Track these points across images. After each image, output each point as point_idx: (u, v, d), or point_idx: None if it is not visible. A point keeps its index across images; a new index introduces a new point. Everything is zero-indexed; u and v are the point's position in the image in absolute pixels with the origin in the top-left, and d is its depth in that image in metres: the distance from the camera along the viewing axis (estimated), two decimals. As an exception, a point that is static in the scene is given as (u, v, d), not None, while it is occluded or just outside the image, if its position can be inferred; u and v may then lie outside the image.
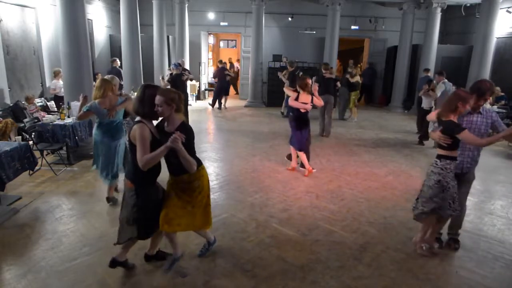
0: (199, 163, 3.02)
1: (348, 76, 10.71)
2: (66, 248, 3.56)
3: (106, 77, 4.68)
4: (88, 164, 5.91)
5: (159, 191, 3.09)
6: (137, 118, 2.86)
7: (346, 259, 3.51)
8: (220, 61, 12.98)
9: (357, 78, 10.71)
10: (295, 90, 5.84)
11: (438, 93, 7.87)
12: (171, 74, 8.94)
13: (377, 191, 5.33)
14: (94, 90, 4.40)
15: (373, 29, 14.33)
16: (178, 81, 8.77)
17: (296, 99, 5.69)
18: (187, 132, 2.80)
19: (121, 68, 10.29)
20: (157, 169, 2.92)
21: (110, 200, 4.60)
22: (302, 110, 5.67)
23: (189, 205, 3.02)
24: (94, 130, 4.54)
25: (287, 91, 5.92)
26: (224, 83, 12.32)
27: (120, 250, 3.15)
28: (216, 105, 12.56)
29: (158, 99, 2.76)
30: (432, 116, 3.64)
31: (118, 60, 10.67)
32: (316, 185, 5.49)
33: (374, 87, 14.68)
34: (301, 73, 10.18)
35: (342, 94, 10.90)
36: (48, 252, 3.49)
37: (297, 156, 6.08)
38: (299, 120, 5.77)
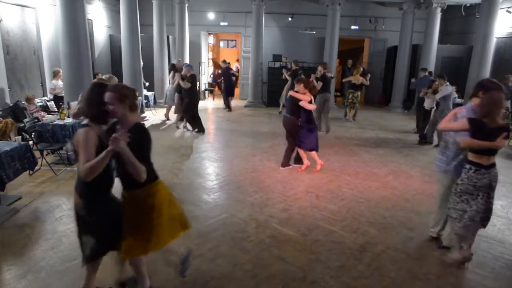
0: (152, 177, 2.57)
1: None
2: (66, 248, 3.56)
3: (104, 76, 4.67)
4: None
5: (116, 206, 2.62)
6: (84, 122, 2.49)
7: (346, 259, 3.51)
8: (224, 61, 12.90)
9: (350, 78, 10.66)
10: (297, 92, 5.84)
11: (439, 96, 7.80)
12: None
13: (377, 191, 5.33)
14: None
15: (373, 29, 14.33)
16: (194, 82, 8.54)
17: (310, 102, 5.81)
18: (141, 134, 2.42)
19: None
20: (107, 180, 2.50)
21: None
22: (313, 111, 5.90)
23: (147, 226, 2.62)
24: None
25: (296, 95, 5.84)
26: (229, 83, 12.16)
27: (85, 281, 2.68)
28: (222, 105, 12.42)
29: (108, 96, 2.39)
30: (456, 125, 3.33)
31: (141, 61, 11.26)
32: (316, 185, 5.49)
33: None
34: (302, 75, 10.29)
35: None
36: (48, 252, 3.49)
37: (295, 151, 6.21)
38: (311, 121, 5.92)
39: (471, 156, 3.24)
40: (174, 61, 10.75)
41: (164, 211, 2.65)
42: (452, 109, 7.78)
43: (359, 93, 10.77)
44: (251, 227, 4.10)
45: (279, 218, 4.34)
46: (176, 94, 8.99)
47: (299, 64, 11.11)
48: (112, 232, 2.56)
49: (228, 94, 12.18)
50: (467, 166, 3.26)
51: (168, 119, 10.13)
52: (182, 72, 8.52)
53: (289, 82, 10.74)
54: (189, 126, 8.89)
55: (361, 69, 10.72)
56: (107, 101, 2.40)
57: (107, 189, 2.56)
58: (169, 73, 10.39)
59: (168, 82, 10.89)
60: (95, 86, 2.57)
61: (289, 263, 3.43)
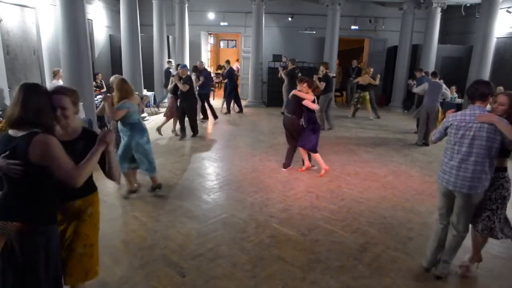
0: (95, 186, 2.47)
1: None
2: (66, 248, 3.55)
3: (114, 76, 4.70)
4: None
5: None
6: (17, 134, 2.00)
7: (346, 259, 3.52)
8: (228, 61, 12.65)
9: (359, 79, 10.82)
10: (299, 91, 5.83)
11: (417, 90, 8.27)
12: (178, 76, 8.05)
13: (377, 191, 5.33)
14: (117, 92, 4.42)
15: (373, 29, 14.32)
16: (191, 83, 8.22)
17: (313, 101, 5.80)
18: (95, 138, 2.19)
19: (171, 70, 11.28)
20: (58, 193, 2.17)
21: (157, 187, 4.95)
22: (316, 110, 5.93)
23: (83, 244, 2.38)
24: (131, 134, 4.52)
25: (300, 94, 5.81)
26: (234, 84, 11.75)
27: None
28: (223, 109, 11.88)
29: (63, 99, 2.17)
30: None
31: (172, 61, 11.68)
32: (316, 185, 5.49)
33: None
34: (299, 73, 10.38)
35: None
36: (48, 252, 3.48)
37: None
38: (314, 121, 5.88)
39: (504, 163, 3.04)
40: (196, 63, 10.64)
41: (98, 224, 2.47)
42: (438, 107, 7.90)
43: (366, 93, 10.84)
44: (251, 227, 4.10)
45: (279, 218, 4.34)
46: (169, 95, 8.39)
47: (296, 63, 11.12)
48: (58, 262, 2.20)
49: (231, 96, 11.65)
50: (506, 174, 3.03)
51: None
52: (176, 72, 8.11)
53: (285, 82, 10.76)
54: (178, 131, 8.33)
55: (371, 69, 10.77)
56: (63, 105, 2.17)
57: (57, 206, 2.23)
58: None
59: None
60: (38, 89, 2.09)
61: (289, 263, 3.43)
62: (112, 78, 4.72)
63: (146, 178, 4.95)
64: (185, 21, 12.72)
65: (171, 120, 8.51)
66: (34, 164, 1.95)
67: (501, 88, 9.75)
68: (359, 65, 14.18)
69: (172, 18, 13.12)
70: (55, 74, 8.28)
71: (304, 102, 5.71)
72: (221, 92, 16.23)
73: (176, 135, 8.39)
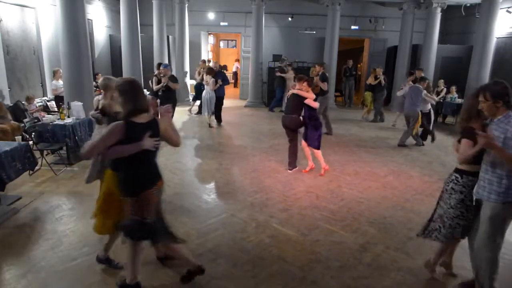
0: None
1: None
2: (66, 248, 3.56)
3: (101, 78, 4.61)
4: (88, 164, 5.89)
5: None
6: (142, 120, 2.66)
7: (346, 259, 3.52)
8: (204, 61, 11.96)
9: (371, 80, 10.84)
10: (299, 89, 5.81)
11: (399, 93, 8.61)
12: (158, 75, 7.84)
13: (377, 191, 5.33)
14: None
15: (373, 29, 14.32)
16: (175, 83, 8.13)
17: (315, 99, 5.81)
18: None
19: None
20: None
21: None
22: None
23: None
24: None
25: (302, 93, 5.78)
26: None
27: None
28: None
29: None
30: None
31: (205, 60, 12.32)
32: (316, 185, 5.49)
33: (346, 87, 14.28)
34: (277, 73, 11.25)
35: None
36: (48, 252, 3.49)
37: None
38: (315, 118, 5.88)
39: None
40: (210, 64, 10.46)
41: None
42: (418, 112, 7.85)
43: (368, 93, 10.86)
44: (251, 227, 4.10)
45: (279, 218, 4.34)
46: (149, 96, 8.14)
47: (284, 62, 11.29)
48: None
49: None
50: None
51: (211, 126, 9.58)
52: (157, 72, 7.83)
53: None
54: None
55: (380, 70, 10.68)
56: None
57: None
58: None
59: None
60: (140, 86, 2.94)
61: (289, 263, 3.43)
62: (101, 80, 4.53)
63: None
64: (185, 21, 12.72)
65: None
66: (161, 138, 2.74)
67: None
68: (358, 65, 14.17)
69: (172, 18, 13.12)
70: (55, 74, 8.28)
71: (306, 101, 5.71)
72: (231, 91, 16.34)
73: None
